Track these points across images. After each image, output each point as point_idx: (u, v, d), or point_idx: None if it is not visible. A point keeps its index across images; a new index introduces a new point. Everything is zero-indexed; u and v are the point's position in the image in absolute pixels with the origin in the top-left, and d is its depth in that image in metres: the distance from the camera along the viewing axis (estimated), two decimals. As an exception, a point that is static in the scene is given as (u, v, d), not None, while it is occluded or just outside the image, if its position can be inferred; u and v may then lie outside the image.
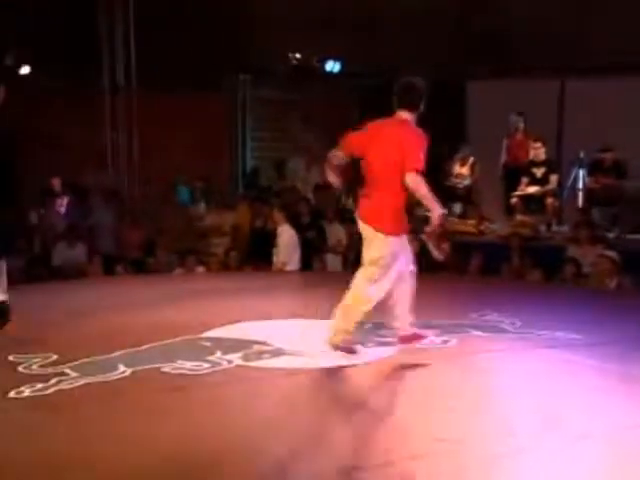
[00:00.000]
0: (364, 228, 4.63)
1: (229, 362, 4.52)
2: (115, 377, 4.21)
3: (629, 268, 7.46)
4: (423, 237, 8.57)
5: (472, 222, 9.84)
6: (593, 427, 3.48)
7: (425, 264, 8.40)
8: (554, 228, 9.66)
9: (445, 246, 8.45)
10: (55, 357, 4.55)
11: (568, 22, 10.46)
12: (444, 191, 10.13)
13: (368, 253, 4.61)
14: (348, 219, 9.78)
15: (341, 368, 4.46)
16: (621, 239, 8.61)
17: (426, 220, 9.27)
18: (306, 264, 8.73)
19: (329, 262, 9.06)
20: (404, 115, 4.57)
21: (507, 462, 3.15)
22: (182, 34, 10.93)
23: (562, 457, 3.18)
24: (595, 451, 3.24)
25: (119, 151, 11.01)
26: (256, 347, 4.84)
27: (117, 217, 9.61)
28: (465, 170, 10.20)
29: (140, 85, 10.89)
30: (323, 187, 10.58)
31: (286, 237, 8.39)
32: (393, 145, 4.43)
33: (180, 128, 11.05)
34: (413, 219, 9.05)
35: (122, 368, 4.34)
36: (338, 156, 4.71)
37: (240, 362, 4.53)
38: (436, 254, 8.45)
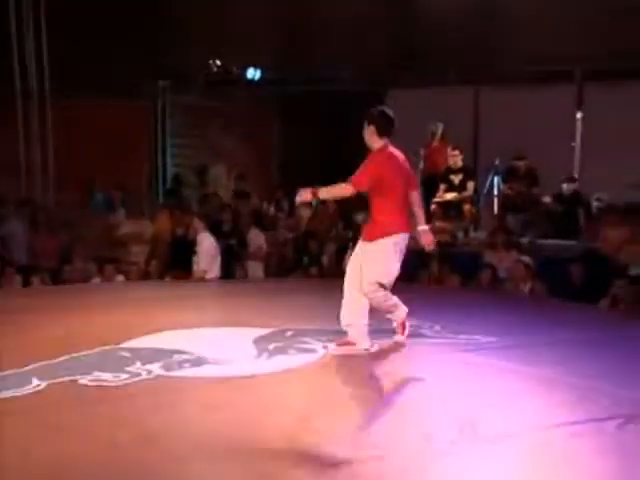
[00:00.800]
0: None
1: (149, 372, 4.43)
2: (29, 391, 4.06)
3: (541, 273, 7.72)
4: None
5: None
6: (510, 429, 3.56)
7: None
8: (472, 234, 9.89)
9: None
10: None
11: (482, 33, 10.78)
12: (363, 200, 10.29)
13: None
14: (268, 226, 9.81)
15: (263, 375, 4.44)
16: (534, 245, 8.89)
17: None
18: (228, 272, 8.67)
19: (250, 269, 9.03)
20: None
21: (426, 466, 3.19)
22: (101, 39, 10.70)
23: (481, 459, 3.24)
24: (513, 452, 3.32)
25: (32, 158, 10.65)
26: (177, 356, 4.76)
27: (30, 226, 9.29)
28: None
29: (56, 90, 10.59)
30: (242, 194, 10.57)
31: (206, 245, 8.32)
32: None
33: (98, 134, 10.80)
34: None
35: (36, 382, 4.19)
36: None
37: (160, 372, 4.45)
38: None
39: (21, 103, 10.63)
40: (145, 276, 8.90)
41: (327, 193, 5.06)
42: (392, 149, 4.99)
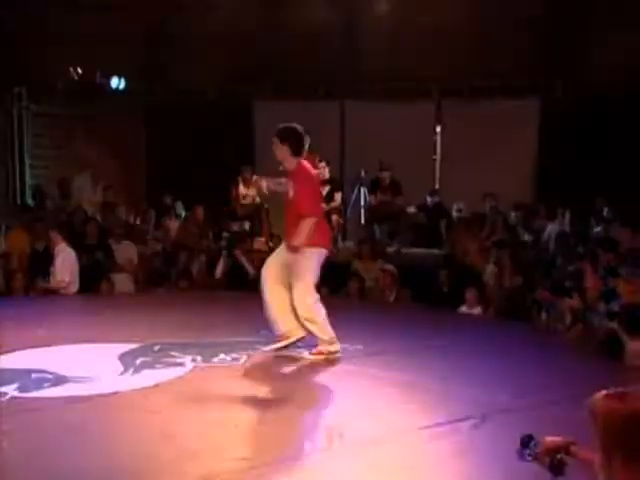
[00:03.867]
0: None
1: (3, 394, 4.20)
2: None
3: (407, 281, 7.98)
4: (237, 253, 8.71)
5: (262, 239, 10.01)
6: (374, 434, 3.65)
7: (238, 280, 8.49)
8: (340, 244, 10.08)
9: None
10: None
11: (347, 49, 11.06)
12: (233, 213, 10.26)
13: None
14: (138, 238, 9.56)
15: (129, 392, 4.33)
16: (399, 254, 9.18)
17: (240, 238, 9.41)
18: (93, 286, 8.37)
19: (118, 282, 8.75)
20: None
21: (298, 475, 3.22)
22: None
23: (347, 465, 3.30)
24: (378, 456, 3.41)
25: None
26: (35, 376, 4.55)
27: None
28: (251, 190, 10.34)
29: None
30: (110, 205, 10.26)
31: (63, 257, 8.02)
32: None
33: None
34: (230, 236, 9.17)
35: None
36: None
37: (16, 393, 4.23)
38: (248, 268, 8.57)
39: None
40: (8, 291, 8.47)
41: (304, 237, 4.93)
42: (305, 163, 5.06)
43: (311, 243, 4.96)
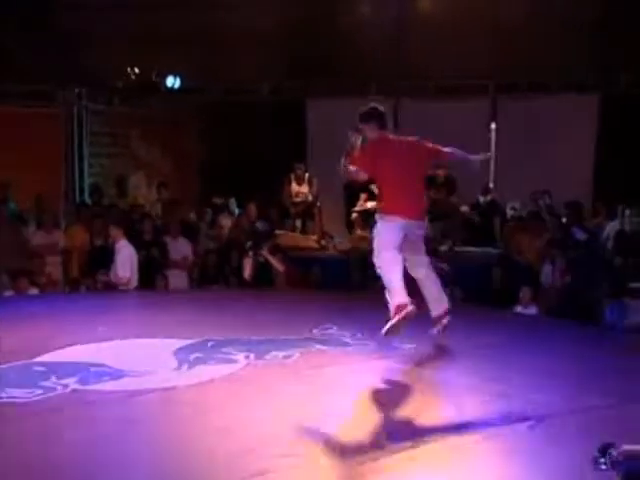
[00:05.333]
0: None
1: (64, 387, 4.31)
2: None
3: (459, 280, 7.90)
4: (264, 252, 8.71)
5: (314, 237, 10.05)
6: (427, 433, 3.63)
7: (265, 279, 8.54)
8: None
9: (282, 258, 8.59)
10: None
11: (401, 46, 11.01)
12: (285, 209, 10.32)
13: None
14: (193, 235, 9.71)
15: (184, 387, 4.39)
16: (451, 252, 9.10)
17: (267, 235, 9.40)
18: (149, 282, 8.52)
19: (173, 280, 8.89)
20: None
21: (348, 476, 3.22)
22: (14, 44, 10.39)
23: (399, 465, 3.30)
24: (431, 456, 3.39)
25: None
26: (94, 370, 4.66)
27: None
28: (303, 188, 10.39)
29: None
30: (171, 202, 10.44)
31: (124, 253, 8.16)
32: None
33: (12, 142, 10.46)
34: (254, 234, 9.20)
35: (-56, 399, 4.03)
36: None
37: (77, 386, 4.34)
38: (277, 266, 8.57)
39: None
40: (66, 284, 8.69)
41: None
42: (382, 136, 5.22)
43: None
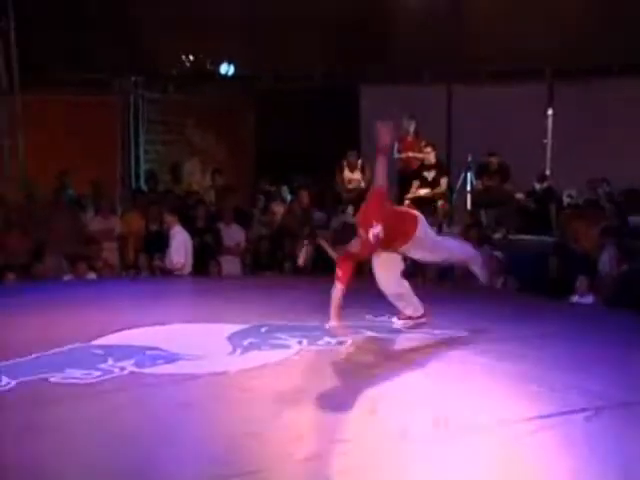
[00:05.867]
0: None
1: (121, 369, 4.41)
2: (-2, 389, 4.03)
3: (514, 268, 7.79)
4: (320, 240, 8.71)
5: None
6: (481, 423, 3.60)
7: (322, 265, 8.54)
8: (445, 230, 9.95)
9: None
10: None
11: (453, 31, 10.86)
12: (338, 197, 10.32)
13: None
14: (246, 221, 9.79)
15: (237, 372, 4.44)
16: (506, 240, 8.98)
17: (323, 225, 9.41)
18: (202, 268, 8.64)
19: (226, 266, 8.99)
20: None
21: (399, 461, 3.22)
22: (70, 35, 10.59)
23: (453, 453, 3.28)
24: (484, 446, 3.36)
25: (3, 155, 10.51)
26: (150, 353, 4.75)
27: (3, 225, 9.16)
28: (356, 175, 10.36)
29: (26, 86, 10.45)
30: (225, 189, 10.55)
31: (179, 239, 8.28)
32: None
33: (70, 130, 10.69)
34: (310, 224, 9.22)
35: (5, 380, 4.15)
36: None
37: (133, 369, 4.43)
38: (332, 254, 8.57)
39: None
40: (122, 269, 8.87)
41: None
42: None
43: None
